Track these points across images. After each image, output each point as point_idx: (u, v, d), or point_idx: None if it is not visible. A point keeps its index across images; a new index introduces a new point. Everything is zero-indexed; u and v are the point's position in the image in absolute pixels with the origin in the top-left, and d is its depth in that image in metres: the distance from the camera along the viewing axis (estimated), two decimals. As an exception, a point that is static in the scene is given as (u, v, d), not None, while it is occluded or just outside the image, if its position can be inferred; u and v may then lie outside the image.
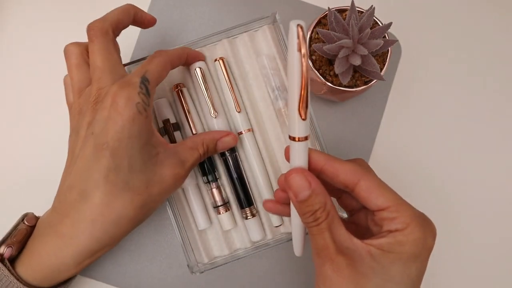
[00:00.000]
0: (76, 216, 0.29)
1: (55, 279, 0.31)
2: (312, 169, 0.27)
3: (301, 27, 0.22)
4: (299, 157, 0.27)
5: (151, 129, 0.30)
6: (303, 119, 0.25)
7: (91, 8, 0.42)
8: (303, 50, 0.23)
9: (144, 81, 0.29)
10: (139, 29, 0.42)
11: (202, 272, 0.36)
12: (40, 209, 0.34)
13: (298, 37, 0.22)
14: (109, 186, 0.29)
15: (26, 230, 0.32)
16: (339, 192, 0.31)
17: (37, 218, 0.34)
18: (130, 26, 0.34)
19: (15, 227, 0.33)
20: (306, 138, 0.26)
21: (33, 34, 0.42)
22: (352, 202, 0.31)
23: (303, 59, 0.23)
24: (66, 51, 0.33)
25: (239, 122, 0.37)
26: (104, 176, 0.28)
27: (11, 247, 0.31)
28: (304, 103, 0.24)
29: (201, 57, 0.37)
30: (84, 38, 0.32)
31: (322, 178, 0.28)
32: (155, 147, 0.30)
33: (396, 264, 0.25)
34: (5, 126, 0.41)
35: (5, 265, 0.30)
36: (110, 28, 0.31)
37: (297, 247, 0.31)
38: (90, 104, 0.30)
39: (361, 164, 0.29)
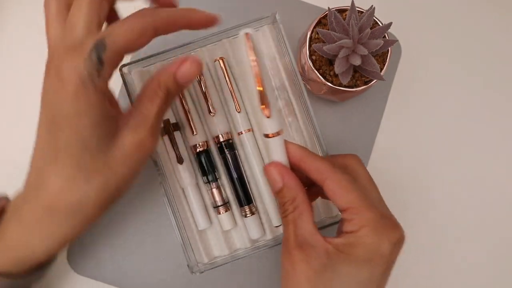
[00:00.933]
0: (34, 202, 0.27)
1: (27, 265, 0.29)
2: (291, 163, 0.28)
3: (247, 36, 0.24)
4: (276, 152, 0.29)
5: (104, 103, 0.25)
6: (268, 117, 0.27)
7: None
8: (252, 57, 0.25)
9: (99, 47, 0.24)
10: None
11: (202, 272, 0.36)
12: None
13: (246, 45, 0.25)
14: (62, 168, 0.25)
15: None
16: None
17: (6, 201, 0.31)
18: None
19: None
20: (278, 133, 0.28)
21: (33, 34, 0.42)
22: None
23: (253, 64, 0.25)
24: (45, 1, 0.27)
25: (239, 122, 0.37)
26: (55, 157, 0.25)
27: None
28: (265, 102, 0.27)
29: (209, 23, 0.30)
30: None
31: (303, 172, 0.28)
32: (113, 120, 0.26)
33: (346, 265, 0.25)
34: (5, 126, 0.41)
35: None
36: None
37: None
38: (46, 67, 0.26)
39: (338, 161, 0.29)
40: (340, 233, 0.28)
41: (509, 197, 0.42)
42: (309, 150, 0.29)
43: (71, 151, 0.25)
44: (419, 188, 0.41)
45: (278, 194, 0.28)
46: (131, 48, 0.25)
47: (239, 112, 0.37)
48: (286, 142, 0.29)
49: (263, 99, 0.26)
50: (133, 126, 0.26)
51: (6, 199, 0.32)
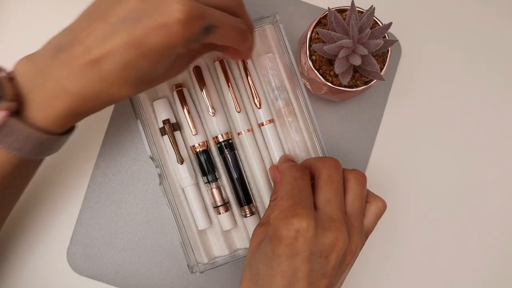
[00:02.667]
0: (75, 52, 0.27)
1: (61, 116, 0.29)
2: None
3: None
4: (273, 138, 0.37)
5: None
6: (259, 108, 0.32)
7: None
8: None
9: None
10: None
11: (202, 272, 0.36)
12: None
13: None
14: (107, 26, 0.26)
15: (11, 80, 0.29)
16: None
17: (14, 68, 0.30)
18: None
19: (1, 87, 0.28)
20: (270, 122, 0.35)
21: (33, 34, 0.42)
22: None
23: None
24: None
25: (239, 122, 0.37)
26: (97, 18, 0.26)
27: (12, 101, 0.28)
28: (254, 96, 0.32)
29: (244, 55, 0.33)
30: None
31: None
32: None
33: (264, 241, 0.30)
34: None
35: (16, 118, 0.27)
36: None
37: None
38: None
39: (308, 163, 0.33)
40: None
41: (510, 196, 0.42)
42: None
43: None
44: (419, 188, 0.41)
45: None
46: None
47: (239, 112, 0.37)
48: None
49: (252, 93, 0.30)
50: None
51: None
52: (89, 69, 0.27)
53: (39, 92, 0.28)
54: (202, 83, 0.36)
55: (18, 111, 0.28)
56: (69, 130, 0.31)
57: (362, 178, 0.31)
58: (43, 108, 0.28)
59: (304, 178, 0.31)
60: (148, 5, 0.25)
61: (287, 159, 0.37)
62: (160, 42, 0.25)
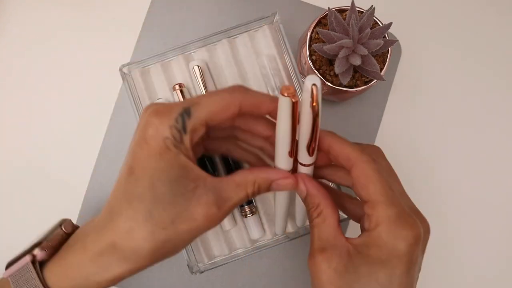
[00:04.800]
0: (101, 235, 0.28)
1: None
2: (321, 148, 0.28)
3: (316, 87, 0.23)
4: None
5: (185, 165, 0.27)
6: (310, 155, 0.27)
7: (91, 8, 0.42)
8: (316, 108, 0.24)
9: (185, 114, 0.26)
10: (139, 27, 0.41)
11: (202, 272, 0.36)
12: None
13: (312, 96, 0.24)
14: (131, 212, 0.27)
15: (61, 236, 0.31)
16: (343, 203, 0.31)
17: (74, 226, 0.32)
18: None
19: (52, 232, 0.31)
20: (311, 165, 0.29)
21: (33, 34, 0.42)
22: (355, 209, 0.31)
23: (315, 116, 0.25)
24: None
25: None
26: (129, 201, 0.27)
27: (45, 250, 0.30)
28: (310, 149, 0.27)
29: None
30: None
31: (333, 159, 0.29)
32: (193, 181, 0.27)
33: (364, 266, 0.25)
34: (5, 126, 0.41)
35: (35, 268, 0.29)
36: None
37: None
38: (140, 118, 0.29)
39: (365, 150, 0.28)
40: (362, 230, 0.28)
41: (510, 195, 0.42)
42: (337, 135, 0.29)
43: (145, 201, 0.26)
44: (420, 188, 0.41)
45: (304, 201, 0.29)
46: (214, 119, 0.27)
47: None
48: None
49: (314, 143, 0.27)
50: (210, 201, 0.27)
51: (72, 225, 0.33)
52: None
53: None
54: (203, 83, 0.36)
55: (45, 261, 0.30)
56: None
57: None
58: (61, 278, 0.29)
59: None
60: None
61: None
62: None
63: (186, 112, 0.26)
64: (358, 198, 0.28)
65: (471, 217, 0.42)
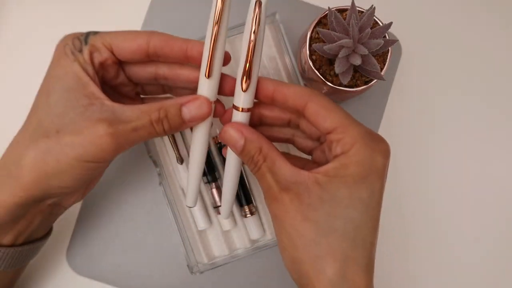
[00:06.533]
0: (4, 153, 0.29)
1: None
2: (264, 96, 0.28)
3: (259, 5, 0.25)
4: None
5: (80, 77, 0.26)
6: (244, 91, 0.26)
7: (91, 8, 0.42)
8: (254, 28, 0.25)
9: (91, 33, 0.28)
10: (139, 27, 0.41)
11: (202, 272, 0.36)
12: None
13: (252, 14, 0.25)
14: (27, 123, 0.28)
15: None
16: (291, 135, 0.31)
17: None
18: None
19: None
20: (248, 110, 0.27)
21: (33, 34, 0.42)
22: (306, 142, 0.30)
23: (252, 35, 0.25)
24: None
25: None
26: (31, 111, 0.28)
27: None
28: (246, 76, 0.26)
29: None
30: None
31: (276, 106, 0.29)
32: (87, 97, 0.26)
33: (343, 188, 0.25)
34: (5, 126, 0.41)
35: None
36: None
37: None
38: None
39: (369, 136, 0.27)
40: (324, 162, 0.27)
41: (509, 197, 0.42)
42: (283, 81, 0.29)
43: (39, 109, 0.27)
44: (419, 188, 0.41)
45: (242, 152, 0.27)
46: (121, 46, 0.27)
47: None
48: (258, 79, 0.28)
49: (246, 72, 0.26)
50: (102, 119, 0.26)
51: None
52: None
53: None
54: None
55: None
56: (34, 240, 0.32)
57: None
58: None
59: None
60: None
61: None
62: None
63: (93, 32, 0.28)
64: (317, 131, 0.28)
65: (471, 217, 0.42)
